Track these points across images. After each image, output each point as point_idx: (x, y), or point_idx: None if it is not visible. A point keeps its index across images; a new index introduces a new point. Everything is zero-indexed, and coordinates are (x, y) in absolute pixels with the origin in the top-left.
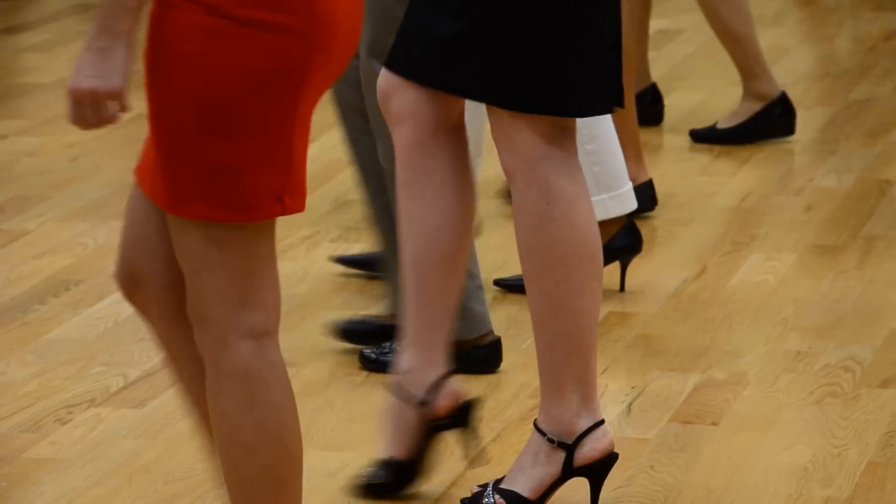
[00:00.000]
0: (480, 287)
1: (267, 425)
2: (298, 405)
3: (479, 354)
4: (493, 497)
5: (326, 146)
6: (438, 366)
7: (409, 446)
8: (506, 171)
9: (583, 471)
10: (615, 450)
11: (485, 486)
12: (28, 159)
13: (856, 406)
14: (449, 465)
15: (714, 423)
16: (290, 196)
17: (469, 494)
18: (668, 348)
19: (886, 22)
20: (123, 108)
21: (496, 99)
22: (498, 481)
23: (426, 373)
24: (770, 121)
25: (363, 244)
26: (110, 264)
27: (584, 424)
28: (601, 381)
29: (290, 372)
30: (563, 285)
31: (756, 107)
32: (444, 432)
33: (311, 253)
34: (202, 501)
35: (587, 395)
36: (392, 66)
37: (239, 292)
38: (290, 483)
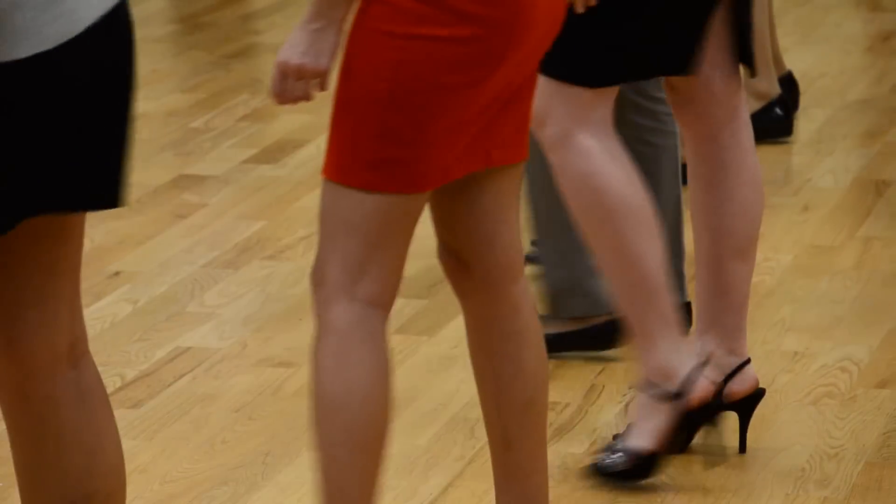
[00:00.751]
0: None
1: (355, 388)
2: (295, 406)
3: (596, 332)
4: (620, 455)
5: (323, 147)
6: (739, 353)
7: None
8: (545, 142)
9: (694, 415)
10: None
11: (609, 447)
12: None
13: (853, 407)
14: (446, 465)
15: (711, 424)
16: (456, 165)
17: (469, 496)
18: None
19: (884, 22)
20: (324, 88)
21: (553, 70)
22: (621, 441)
23: (725, 358)
24: (768, 121)
25: None
26: (108, 264)
27: (682, 367)
28: (598, 382)
29: (287, 372)
30: (620, 234)
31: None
32: (721, 414)
33: (309, 254)
34: (199, 502)
35: (676, 336)
36: None
37: (365, 262)
38: (370, 449)
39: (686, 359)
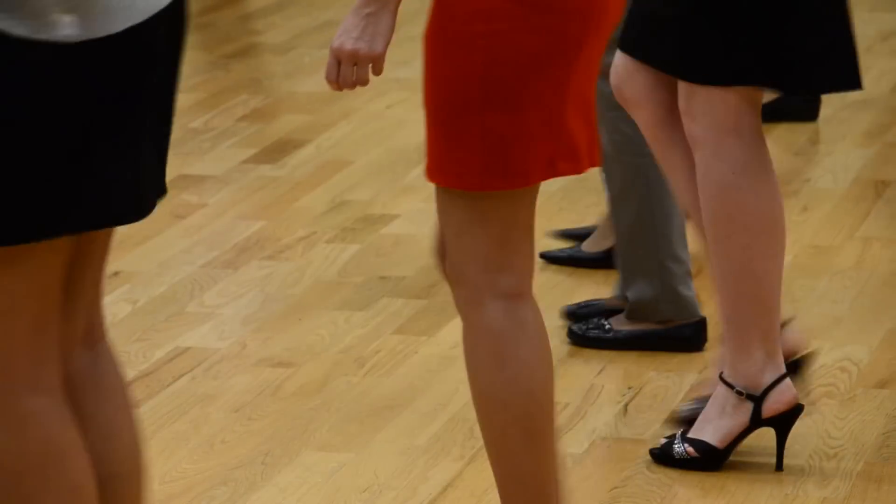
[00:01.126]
0: (689, 272)
1: (518, 381)
2: (294, 406)
3: (684, 333)
4: (684, 446)
5: (322, 147)
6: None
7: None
8: (693, 140)
9: (769, 422)
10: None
11: (672, 437)
12: None
13: (852, 406)
14: (446, 465)
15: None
16: (562, 160)
17: (469, 495)
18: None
19: (883, 23)
20: (378, 73)
21: (688, 74)
22: (685, 432)
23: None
24: (793, 104)
25: (360, 244)
26: (107, 264)
27: (769, 378)
28: (597, 382)
29: (286, 372)
30: (747, 250)
31: None
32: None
33: (308, 253)
34: (198, 502)
35: (771, 351)
36: (621, 46)
37: (496, 256)
38: (543, 436)
39: (773, 371)
